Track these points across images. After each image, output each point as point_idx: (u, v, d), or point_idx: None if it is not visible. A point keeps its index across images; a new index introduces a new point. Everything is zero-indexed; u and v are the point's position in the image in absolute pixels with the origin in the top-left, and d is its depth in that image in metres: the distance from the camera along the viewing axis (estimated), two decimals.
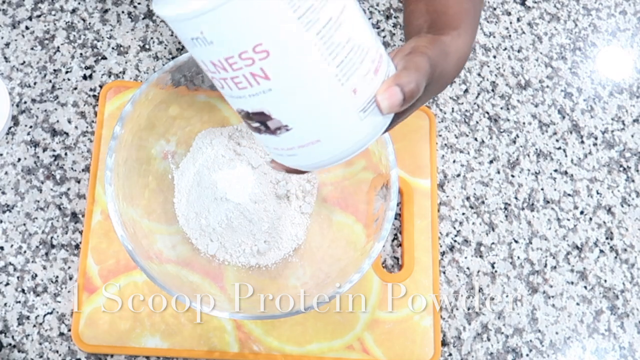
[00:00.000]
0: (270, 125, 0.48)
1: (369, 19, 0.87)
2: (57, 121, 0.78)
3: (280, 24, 0.43)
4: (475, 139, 0.84)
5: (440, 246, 0.79)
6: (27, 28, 0.81)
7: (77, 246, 0.74)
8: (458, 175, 0.82)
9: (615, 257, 0.81)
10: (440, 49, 0.53)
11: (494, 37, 0.88)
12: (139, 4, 0.84)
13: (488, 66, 0.87)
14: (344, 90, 0.47)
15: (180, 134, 0.75)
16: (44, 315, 0.72)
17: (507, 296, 0.78)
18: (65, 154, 0.77)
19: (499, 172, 0.83)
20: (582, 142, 0.85)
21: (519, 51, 0.88)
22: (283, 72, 0.45)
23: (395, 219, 0.79)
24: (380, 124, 0.49)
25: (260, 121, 0.48)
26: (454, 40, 0.55)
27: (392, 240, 0.79)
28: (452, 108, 0.84)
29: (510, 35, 0.89)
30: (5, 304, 0.72)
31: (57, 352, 0.71)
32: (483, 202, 0.81)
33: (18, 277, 0.73)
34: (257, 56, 0.44)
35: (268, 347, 0.73)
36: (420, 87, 0.49)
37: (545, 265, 0.80)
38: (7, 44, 0.81)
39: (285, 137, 0.48)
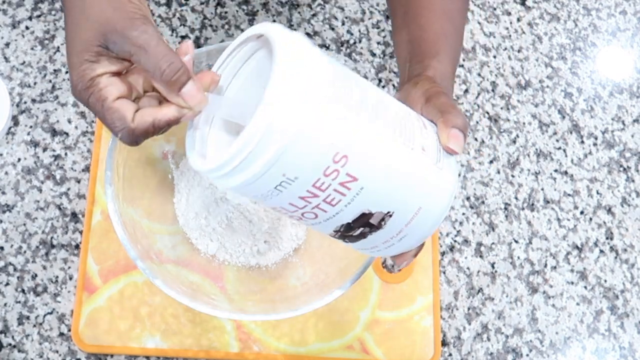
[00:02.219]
0: (374, 221, 0.49)
1: (369, 19, 0.87)
2: (57, 121, 0.78)
3: (344, 126, 0.45)
4: (475, 139, 0.84)
5: (440, 246, 0.79)
6: (27, 28, 0.81)
7: (77, 246, 0.74)
8: (458, 175, 0.82)
9: (615, 257, 0.81)
10: (439, 83, 0.57)
11: (494, 37, 0.88)
12: None
13: (488, 66, 0.87)
14: (417, 153, 0.49)
15: (180, 134, 0.75)
16: (44, 315, 0.72)
17: (507, 296, 0.78)
18: (65, 154, 0.77)
19: (499, 172, 0.83)
20: (582, 142, 0.85)
21: (519, 51, 0.88)
22: (366, 166, 0.47)
23: None
24: (454, 165, 0.52)
25: (363, 224, 0.50)
26: (437, 71, 0.58)
27: None
28: None
29: (510, 35, 0.89)
30: (5, 304, 0.72)
31: (57, 352, 0.71)
32: (483, 202, 0.81)
33: (18, 277, 0.73)
34: (339, 165, 0.46)
35: (268, 347, 0.73)
36: (466, 120, 0.53)
37: (545, 265, 0.80)
38: (7, 44, 0.81)
39: (391, 224, 0.50)
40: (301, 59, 0.45)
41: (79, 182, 0.77)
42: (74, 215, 0.75)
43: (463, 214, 0.80)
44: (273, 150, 0.44)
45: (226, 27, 0.85)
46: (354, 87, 0.47)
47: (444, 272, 0.78)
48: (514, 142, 0.84)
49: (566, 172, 0.84)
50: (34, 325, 0.72)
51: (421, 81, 0.56)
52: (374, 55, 0.85)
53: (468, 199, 0.81)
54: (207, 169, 0.47)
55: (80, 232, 0.75)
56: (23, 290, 0.73)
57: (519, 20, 0.89)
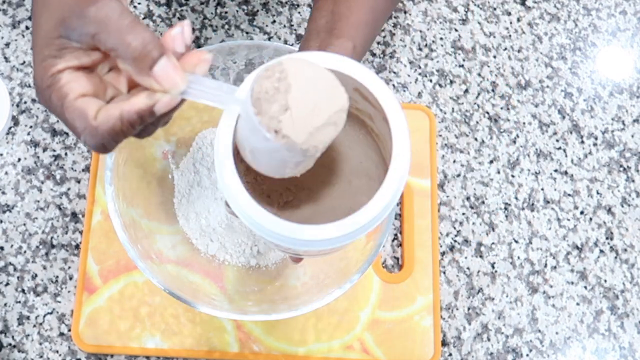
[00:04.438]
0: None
1: None
2: (57, 121, 0.78)
3: None
4: (475, 139, 0.84)
5: (440, 246, 0.79)
6: (27, 28, 0.81)
7: (77, 246, 0.74)
8: (458, 175, 0.82)
9: (615, 257, 0.81)
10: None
11: (494, 37, 0.88)
12: (139, 4, 0.84)
13: (488, 66, 0.87)
14: None
15: (180, 134, 0.75)
16: (44, 315, 0.72)
17: (507, 296, 0.78)
18: (65, 154, 0.77)
19: (499, 172, 0.83)
20: (582, 142, 0.85)
21: (519, 51, 0.88)
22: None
23: (395, 219, 0.79)
24: None
25: None
26: (350, 53, 0.57)
27: (392, 240, 0.79)
28: (452, 108, 0.84)
29: (510, 35, 0.89)
30: (5, 304, 0.72)
31: (57, 352, 0.71)
32: (483, 202, 0.81)
33: (18, 277, 0.73)
34: None
35: (268, 347, 0.73)
36: None
37: (545, 265, 0.80)
38: (7, 44, 0.81)
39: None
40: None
41: (79, 182, 0.77)
42: (74, 215, 0.75)
43: (463, 214, 0.80)
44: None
45: (226, 27, 0.85)
46: None
47: (444, 272, 0.78)
48: (514, 142, 0.84)
49: (566, 172, 0.84)
50: (34, 325, 0.72)
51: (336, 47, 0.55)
52: (374, 55, 0.85)
53: (468, 199, 0.81)
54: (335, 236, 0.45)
55: (80, 232, 0.75)
56: (23, 290, 0.73)
57: (519, 20, 0.89)
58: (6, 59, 0.80)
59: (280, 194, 0.50)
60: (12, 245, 0.74)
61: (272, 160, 0.42)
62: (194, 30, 0.84)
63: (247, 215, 0.43)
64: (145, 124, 0.43)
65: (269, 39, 0.85)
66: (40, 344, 0.71)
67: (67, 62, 0.42)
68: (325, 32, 0.57)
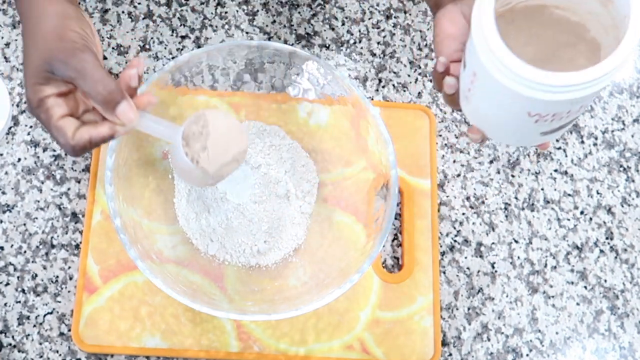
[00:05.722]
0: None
1: (369, 19, 0.87)
2: None
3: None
4: None
5: (440, 246, 0.79)
6: None
7: (77, 246, 0.74)
8: (458, 175, 0.82)
9: (615, 257, 0.81)
10: None
11: None
12: (139, 4, 0.84)
13: None
14: None
15: None
16: (44, 315, 0.72)
17: (507, 296, 0.78)
18: (65, 154, 0.77)
19: (499, 172, 0.83)
20: (582, 142, 0.85)
21: None
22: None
23: (395, 219, 0.79)
24: None
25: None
26: None
27: (392, 240, 0.79)
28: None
29: None
30: (5, 304, 0.72)
31: (57, 352, 0.71)
32: (483, 202, 0.81)
33: (18, 277, 0.73)
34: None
35: (268, 347, 0.73)
36: None
37: (545, 265, 0.80)
38: (7, 44, 0.81)
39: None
40: None
41: (79, 182, 0.77)
42: (74, 215, 0.75)
43: (463, 214, 0.80)
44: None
45: (226, 27, 0.85)
46: None
47: (444, 272, 0.78)
48: None
49: (566, 172, 0.84)
50: (34, 325, 0.72)
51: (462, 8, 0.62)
52: (374, 55, 0.85)
53: (468, 199, 0.81)
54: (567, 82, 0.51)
55: (80, 232, 0.75)
56: (23, 290, 0.73)
57: None
58: (6, 59, 0.80)
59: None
60: (12, 245, 0.74)
61: (192, 178, 0.63)
62: (193, 30, 0.84)
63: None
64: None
65: (269, 39, 0.85)
66: (40, 344, 0.71)
67: (51, 89, 0.56)
68: None
